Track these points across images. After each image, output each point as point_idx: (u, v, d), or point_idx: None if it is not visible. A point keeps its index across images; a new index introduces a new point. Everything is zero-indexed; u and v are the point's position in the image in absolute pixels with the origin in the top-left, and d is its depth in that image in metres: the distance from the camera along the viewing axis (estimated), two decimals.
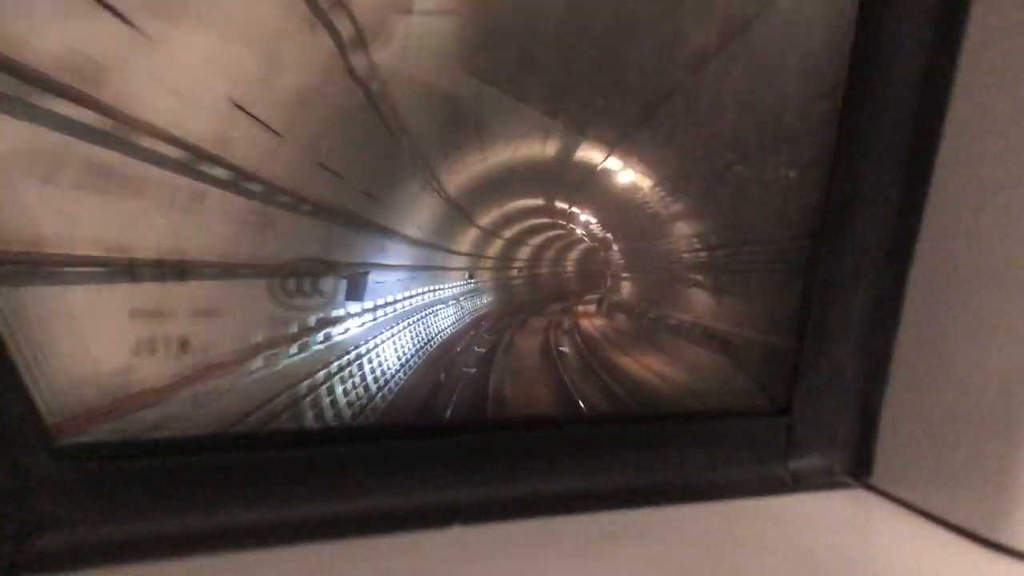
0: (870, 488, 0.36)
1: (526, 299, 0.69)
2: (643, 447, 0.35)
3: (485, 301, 0.62)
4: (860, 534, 0.33)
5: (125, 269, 0.31)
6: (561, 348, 0.61)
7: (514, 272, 0.68)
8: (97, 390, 0.30)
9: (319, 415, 0.39)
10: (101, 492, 0.28)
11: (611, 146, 0.52)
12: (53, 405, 0.28)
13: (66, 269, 0.29)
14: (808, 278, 0.36)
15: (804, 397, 0.36)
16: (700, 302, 0.51)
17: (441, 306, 0.56)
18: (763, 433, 0.36)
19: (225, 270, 0.34)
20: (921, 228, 0.34)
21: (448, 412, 0.45)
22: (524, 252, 0.68)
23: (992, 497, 0.30)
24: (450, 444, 0.33)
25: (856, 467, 0.37)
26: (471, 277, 0.61)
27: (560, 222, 0.64)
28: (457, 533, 0.30)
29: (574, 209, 0.62)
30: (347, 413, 0.41)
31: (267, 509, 0.30)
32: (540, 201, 0.62)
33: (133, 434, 0.31)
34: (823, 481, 0.37)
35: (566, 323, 0.65)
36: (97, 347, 0.30)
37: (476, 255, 0.61)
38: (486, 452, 0.33)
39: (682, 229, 0.53)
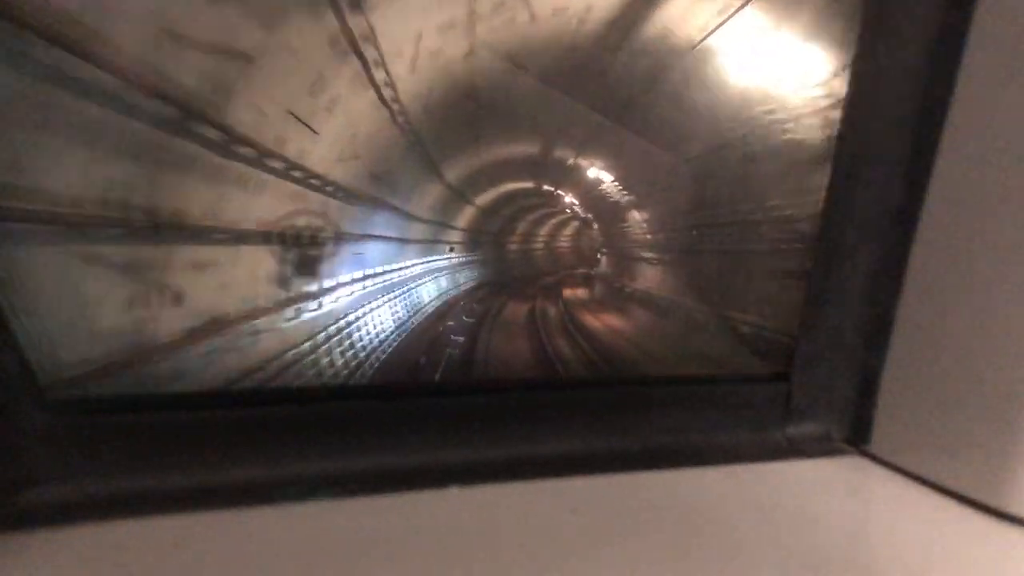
0: (868, 455, 0.36)
1: (519, 273, 0.67)
2: (640, 411, 0.35)
3: (478, 273, 0.62)
4: (857, 499, 0.33)
5: (119, 226, 0.30)
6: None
7: (509, 247, 0.67)
8: (91, 344, 0.29)
9: (315, 375, 0.39)
10: (92, 447, 0.28)
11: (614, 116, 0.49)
12: (44, 358, 0.28)
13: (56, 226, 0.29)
14: (812, 243, 0.36)
15: (803, 363, 0.36)
16: (701, 277, 0.50)
17: (432, 277, 0.55)
18: (761, 399, 0.36)
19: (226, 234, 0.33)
20: (927, 194, 0.33)
21: (439, 375, 0.44)
22: (515, 227, 0.67)
23: (993, 464, 0.30)
24: (448, 405, 0.32)
25: (854, 434, 0.37)
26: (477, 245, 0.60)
27: (547, 190, 0.62)
28: (455, 494, 0.30)
29: (561, 191, 0.60)
30: (340, 375, 0.41)
31: (261, 467, 0.29)
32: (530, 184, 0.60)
33: (125, 389, 0.30)
34: (820, 448, 0.36)
35: (554, 296, 0.64)
36: (90, 301, 0.30)
37: (465, 229, 0.60)
38: (485, 414, 0.33)
39: (687, 202, 0.51)
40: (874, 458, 0.36)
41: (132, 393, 0.30)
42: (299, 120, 0.36)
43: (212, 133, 0.32)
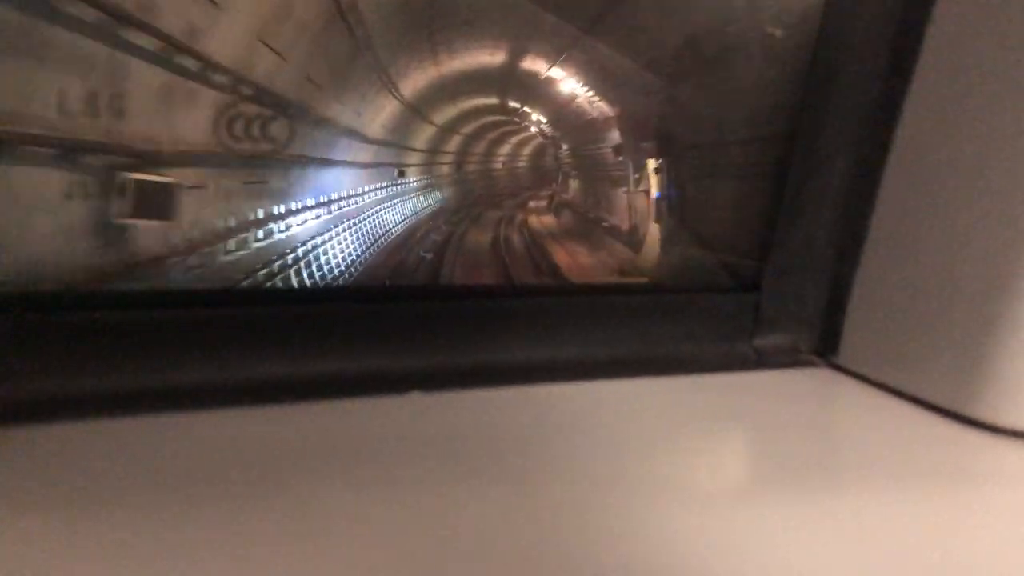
0: (835, 367, 0.36)
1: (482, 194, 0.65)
2: (607, 320, 0.34)
3: (440, 196, 0.60)
4: (825, 408, 0.34)
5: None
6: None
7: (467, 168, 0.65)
8: (28, 237, 0.28)
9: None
10: (30, 347, 0.26)
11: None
12: None
13: None
14: (785, 153, 0.35)
15: (774, 273, 0.35)
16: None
17: (401, 198, 0.53)
18: (730, 310, 0.36)
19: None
20: (904, 104, 0.32)
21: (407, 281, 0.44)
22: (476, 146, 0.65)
23: (962, 372, 0.30)
24: (412, 311, 0.31)
25: (822, 345, 0.37)
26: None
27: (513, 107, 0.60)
28: (416, 399, 0.29)
29: (527, 109, 0.58)
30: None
31: (213, 370, 0.28)
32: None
33: (66, 285, 0.29)
34: (788, 359, 0.36)
35: (518, 216, 0.63)
36: (27, 197, 0.28)
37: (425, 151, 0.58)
38: (448, 319, 0.32)
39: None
40: (842, 369, 0.36)
41: (72, 291, 0.29)
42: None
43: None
